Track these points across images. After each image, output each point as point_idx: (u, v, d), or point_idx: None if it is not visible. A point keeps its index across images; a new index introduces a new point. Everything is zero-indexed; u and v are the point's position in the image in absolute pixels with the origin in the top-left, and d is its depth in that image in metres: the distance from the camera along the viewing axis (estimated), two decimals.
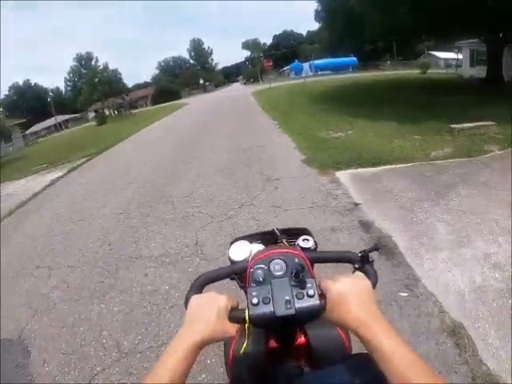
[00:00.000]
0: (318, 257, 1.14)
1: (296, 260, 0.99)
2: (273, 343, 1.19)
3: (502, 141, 8.86)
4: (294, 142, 11.07)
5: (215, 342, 0.88)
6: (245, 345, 0.92)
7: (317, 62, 61.91)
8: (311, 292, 0.89)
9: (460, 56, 51.26)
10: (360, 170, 7.76)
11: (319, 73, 57.91)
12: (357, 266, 1.04)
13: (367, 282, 0.93)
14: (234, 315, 0.91)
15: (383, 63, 66.59)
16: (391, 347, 0.75)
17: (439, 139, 9.72)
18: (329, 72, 58.06)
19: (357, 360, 0.98)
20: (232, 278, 1.12)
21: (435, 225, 4.94)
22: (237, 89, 55.10)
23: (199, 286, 1.06)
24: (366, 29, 21.68)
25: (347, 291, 0.88)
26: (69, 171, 13.45)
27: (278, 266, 0.98)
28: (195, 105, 35.35)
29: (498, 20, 17.53)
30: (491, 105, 13.60)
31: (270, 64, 40.39)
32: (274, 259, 1.00)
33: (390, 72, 48.87)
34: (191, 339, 0.83)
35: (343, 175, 7.52)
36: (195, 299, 0.95)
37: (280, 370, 1.11)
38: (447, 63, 56.23)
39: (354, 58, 62.20)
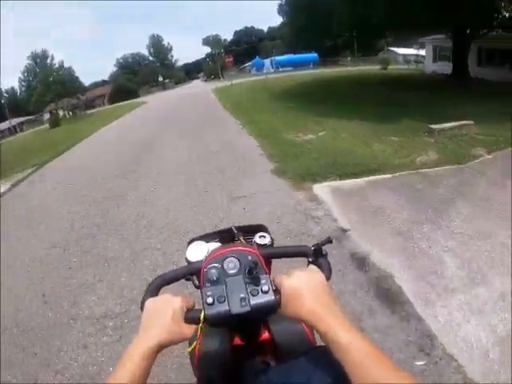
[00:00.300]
0: (271, 252, 1.13)
1: (249, 257, 0.98)
2: (237, 340, 1.17)
3: (486, 143, 8.29)
4: (260, 147, 9.82)
5: (173, 344, 0.86)
6: (210, 345, 1.02)
7: (278, 58, 60.87)
8: (265, 288, 0.89)
9: (420, 52, 51.76)
10: (341, 183, 6.65)
11: (280, 69, 56.81)
12: (310, 259, 1.03)
13: (321, 275, 0.93)
14: (190, 316, 0.90)
15: (343, 59, 66.49)
16: (347, 338, 0.75)
17: (420, 141, 8.94)
18: (290, 68, 57.06)
19: (318, 352, 0.93)
20: (188, 279, 1.06)
21: (441, 256, 4.09)
22: (197, 86, 53.32)
23: (154, 289, 1.02)
24: (332, 23, 21.07)
25: (301, 285, 0.87)
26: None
27: (231, 264, 0.97)
28: (154, 103, 33.06)
29: (466, 17, 17.71)
30: (463, 102, 13.16)
31: (231, 60, 38.99)
32: (227, 257, 0.99)
33: (351, 68, 48.65)
34: (148, 344, 0.81)
35: (322, 189, 6.36)
36: (150, 302, 0.92)
37: (246, 367, 1.12)
38: (406, 59, 57.56)
39: (315, 54, 61.48)
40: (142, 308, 0.94)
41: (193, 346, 0.94)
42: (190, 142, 11.91)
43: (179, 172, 8.77)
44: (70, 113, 39.89)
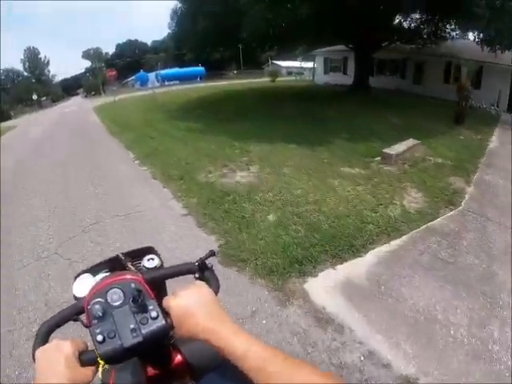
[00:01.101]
0: (156, 276, 1.07)
1: (132, 285, 0.93)
2: (151, 371, 1.10)
3: (451, 169, 7.70)
4: (181, 204, 6.22)
5: None
6: (125, 381, 0.95)
7: (163, 71, 57.17)
8: (154, 314, 0.86)
9: (303, 64, 52.11)
10: (341, 269, 4.09)
11: (166, 83, 53.33)
12: (197, 275, 1.03)
13: (208, 290, 0.91)
14: (85, 358, 0.84)
15: (228, 73, 65.09)
16: (243, 346, 0.74)
17: (386, 173, 7.19)
18: (177, 82, 53.77)
19: (226, 366, 0.86)
20: (75, 320, 0.95)
21: None
22: (77, 104, 47.33)
23: (43, 337, 0.94)
24: (223, 36, 19.84)
25: (189, 304, 0.85)
26: None
27: (115, 296, 0.92)
28: (21, 130, 27.66)
29: (368, 31, 18.78)
30: (381, 114, 13.40)
31: (114, 74, 34.68)
32: (110, 289, 0.93)
33: (240, 81, 46.99)
34: None
35: (326, 293, 3.69)
36: (40, 352, 0.84)
37: None
38: (288, 71, 58.21)
39: (202, 68, 59.24)
40: (33, 358, 0.85)
41: None
42: (61, 204, 6.75)
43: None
44: None
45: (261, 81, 43.87)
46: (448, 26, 19.59)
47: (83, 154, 11.13)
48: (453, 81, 19.85)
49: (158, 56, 72.53)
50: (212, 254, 1.06)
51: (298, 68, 56.01)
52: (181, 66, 60.38)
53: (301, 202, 5.81)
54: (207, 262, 1.05)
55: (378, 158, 8.03)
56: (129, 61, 77.04)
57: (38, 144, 14.46)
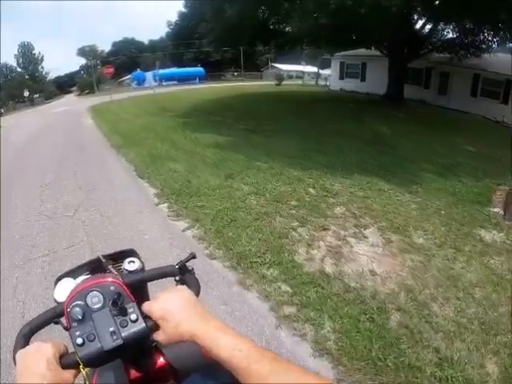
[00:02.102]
0: (136, 278, 1.05)
1: (112, 288, 0.92)
2: (134, 374, 1.08)
3: None
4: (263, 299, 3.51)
5: None
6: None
7: (161, 71, 53.51)
8: (134, 317, 0.85)
9: (306, 68, 49.30)
10: None
11: (164, 83, 49.78)
12: (177, 278, 1.02)
13: (187, 291, 0.91)
14: (66, 361, 0.82)
15: (226, 74, 61.80)
16: (229, 345, 0.72)
17: None
18: (175, 82, 50.27)
19: (209, 367, 0.90)
20: (56, 322, 0.93)
21: None
22: (70, 103, 43.36)
23: (24, 340, 0.93)
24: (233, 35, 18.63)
25: (169, 306, 0.84)
26: None
27: (95, 299, 0.91)
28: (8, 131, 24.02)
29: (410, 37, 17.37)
30: (444, 134, 11.61)
31: (111, 70, 31.05)
32: (89, 292, 0.91)
33: (241, 83, 43.95)
34: None
35: None
36: (21, 354, 0.83)
37: None
38: (288, 75, 55.11)
39: (201, 69, 55.84)
40: (14, 361, 0.84)
41: None
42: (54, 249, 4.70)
43: None
44: None
45: (263, 84, 40.95)
46: (488, 37, 17.81)
47: (73, 193, 6.96)
48: (480, 94, 19.16)
49: (155, 55, 68.76)
50: (193, 256, 1.06)
51: (298, 72, 53.23)
52: (179, 66, 56.85)
53: None
54: (187, 264, 1.04)
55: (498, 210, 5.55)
56: (125, 59, 73.12)
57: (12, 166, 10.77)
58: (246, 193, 6.21)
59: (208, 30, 20.87)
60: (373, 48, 21.40)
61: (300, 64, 50.20)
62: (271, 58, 61.31)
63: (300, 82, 44.58)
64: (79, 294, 0.91)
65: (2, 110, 55.56)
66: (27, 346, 0.86)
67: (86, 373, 0.82)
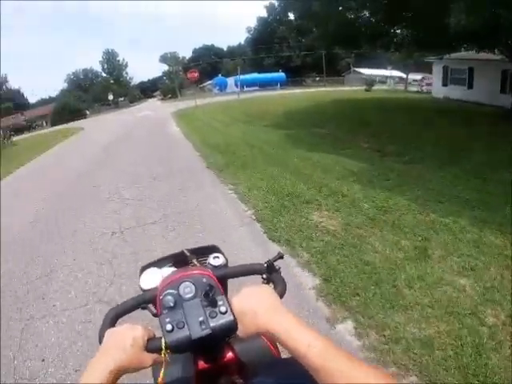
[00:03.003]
0: (225, 273, 1.06)
1: (204, 280, 0.93)
2: (202, 365, 1.02)
3: None
4: None
5: (131, 371, 0.78)
6: (161, 374, 0.86)
7: (243, 76, 51.35)
8: (223, 309, 0.84)
9: (393, 73, 44.72)
10: None
11: (245, 89, 47.50)
12: (264, 276, 1.00)
13: (272, 291, 0.87)
14: (151, 345, 0.82)
15: (307, 79, 58.48)
16: (306, 341, 0.69)
17: None
18: (256, 88, 47.83)
19: (284, 364, 0.92)
20: (144, 308, 0.95)
21: None
22: (153, 107, 42.29)
23: (111, 321, 0.94)
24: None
25: (250, 301, 0.83)
26: None
27: (187, 289, 0.91)
28: (87, 137, 22.19)
29: None
30: None
31: (196, 75, 28.89)
32: (182, 282, 0.92)
33: (324, 88, 40.40)
34: (105, 369, 0.72)
35: None
36: (109, 333, 0.83)
37: None
38: (371, 80, 49.97)
39: (282, 74, 52.98)
40: (100, 340, 0.84)
41: (161, 375, 0.83)
42: None
43: None
44: None
45: (347, 89, 37.15)
46: None
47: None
48: None
49: (235, 61, 67.14)
50: (280, 256, 1.03)
51: (381, 76, 48.35)
52: (259, 72, 54.36)
53: None
54: (275, 264, 1.01)
55: None
56: (205, 65, 72.38)
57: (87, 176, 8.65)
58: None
59: (317, 25, 17.46)
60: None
61: (382, 68, 45.98)
62: (352, 62, 57.42)
63: (385, 87, 40.06)
64: (172, 283, 0.92)
65: (88, 112, 57.11)
66: (118, 326, 0.87)
67: (165, 359, 0.80)
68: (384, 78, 47.18)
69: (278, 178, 6.62)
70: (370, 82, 36.43)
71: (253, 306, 0.80)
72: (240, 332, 0.82)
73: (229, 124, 15.21)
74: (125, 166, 9.47)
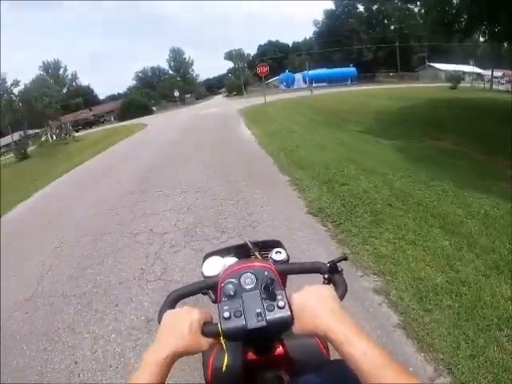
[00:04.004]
0: (287, 269, 1.05)
1: (266, 273, 0.93)
2: (251, 355, 1.04)
3: None
4: None
5: (188, 355, 0.79)
6: (225, 360, 0.87)
7: (311, 72, 47.77)
8: (281, 304, 0.82)
9: (475, 69, 39.70)
10: None
11: (314, 85, 43.98)
12: (326, 276, 0.95)
13: (330, 289, 0.85)
14: (207, 329, 0.83)
15: (379, 75, 53.67)
16: (362, 349, 0.67)
17: None
18: (325, 84, 44.18)
19: (334, 366, 0.89)
20: (204, 293, 0.96)
21: None
22: (219, 104, 39.88)
23: (172, 302, 0.96)
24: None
25: (311, 300, 0.80)
26: None
27: (248, 280, 0.91)
28: (149, 134, 19.90)
29: None
30: None
31: (265, 70, 26.07)
32: (244, 273, 0.93)
33: (401, 85, 35.72)
34: (164, 352, 0.74)
35: None
36: (168, 314, 0.85)
37: (260, 381, 1.03)
38: (448, 75, 44.47)
39: (353, 69, 48.73)
40: (159, 320, 0.86)
41: (225, 361, 0.85)
42: None
43: None
44: (54, 136, 27.09)
45: (424, 86, 32.52)
46: None
47: None
48: None
49: (301, 57, 63.70)
50: (344, 258, 0.99)
51: (458, 72, 42.79)
52: (328, 67, 50.40)
53: None
54: (338, 265, 0.95)
55: None
56: (270, 62, 69.73)
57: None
58: None
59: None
60: None
61: (459, 63, 41.42)
62: (426, 57, 52.16)
63: (464, 84, 34.65)
64: (234, 272, 0.93)
65: (154, 108, 56.61)
66: (177, 308, 0.88)
67: (225, 343, 0.81)
68: (462, 73, 42.06)
69: (455, 262, 3.35)
70: (455, 79, 31.60)
71: (313, 306, 0.77)
72: (295, 329, 0.79)
73: (312, 127, 11.98)
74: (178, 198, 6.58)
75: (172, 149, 11.97)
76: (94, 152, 15.10)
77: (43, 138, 27.49)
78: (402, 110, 15.41)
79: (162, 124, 24.18)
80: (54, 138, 26.94)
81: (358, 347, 0.67)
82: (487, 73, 36.47)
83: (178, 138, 14.59)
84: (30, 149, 24.24)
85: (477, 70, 42.12)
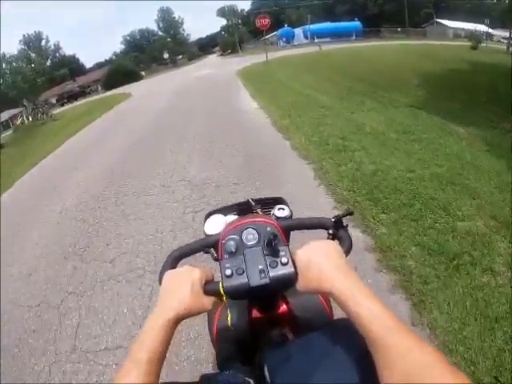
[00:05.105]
0: (290, 224, 0.97)
1: (268, 228, 0.87)
2: (256, 313, 1.02)
3: None
4: None
5: (192, 316, 0.76)
6: (229, 318, 0.88)
7: (313, 26, 42.77)
8: (285, 260, 0.79)
9: (489, 29, 36.05)
10: None
11: (316, 40, 39.31)
12: (330, 231, 0.90)
13: (335, 245, 0.80)
14: (209, 288, 0.79)
15: (385, 30, 48.54)
16: (370, 309, 0.62)
17: None
18: (328, 40, 39.37)
19: (338, 325, 0.82)
20: (206, 252, 0.91)
21: None
22: (213, 64, 35.17)
23: (173, 262, 0.92)
24: None
25: (315, 255, 0.75)
26: None
27: (250, 236, 0.86)
28: (133, 104, 16.46)
29: None
30: None
31: (266, 22, 21.88)
32: (245, 229, 0.88)
33: (409, 42, 31.11)
34: (166, 316, 0.71)
35: None
36: (169, 275, 0.82)
37: (265, 339, 0.98)
38: (455, 33, 40.95)
39: (358, 23, 43.69)
40: (160, 280, 0.83)
41: (229, 319, 0.87)
42: None
43: None
44: (30, 118, 23.42)
45: (440, 44, 28.02)
46: None
47: None
48: None
49: (299, 11, 58.06)
50: (350, 212, 0.91)
51: (467, 31, 37.76)
52: (332, 21, 45.12)
53: None
54: (343, 220, 0.89)
55: None
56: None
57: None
58: None
59: None
60: None
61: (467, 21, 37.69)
62: (433, 13, 47.36)
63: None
64: (236, 228, 0.88)
65: (143, 73, 51.70)
66: (177, 268, 0.85)
67: (221, 300, 0.79)
68: (469, 32, 37.92)
69: None
70: (476, 38, 27.14)
71: (318, 262, 0.73)
72: (299, 286, 0.76)
73: (342, 97, 8.34)
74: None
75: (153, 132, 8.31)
76: (63, 137, 11.50)
77: (19, 121, 23.91)
78: (448, 75, 11.38)
79: (145, 93, 20.03)
80: (30, 119, 23.30)
81: (365, 306, 0.62)
82: (497, 33, 33.57)
83: (169, 105, 10.85)
84: (4, 135, 21.04)
85: (485, 29, 37.72)
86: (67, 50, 68.42)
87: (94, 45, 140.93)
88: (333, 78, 11.45)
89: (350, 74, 12.05)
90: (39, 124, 20.81)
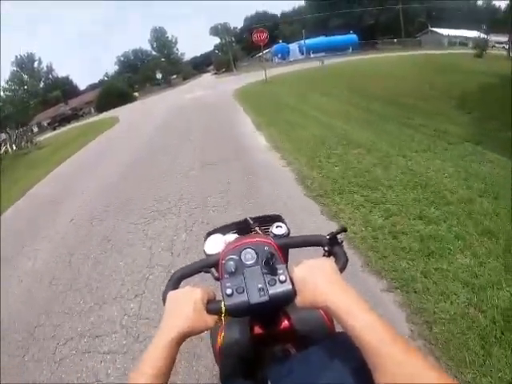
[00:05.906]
0: (287, 242, 0.99)
1: (266, 248, 0.90)
2: (258, 330, 1.00)
3: None
4: None
5: (195, 334, 0.77)
6: (222, 337, 0.89)
7: (309, 41, 41.27)
8: (283, 278, 0.80)
9: (469, 33, 35.70)
10: None
11: (312, 55, 37.82)
12: (326, 248, 0.92)
13: (330, 262, 0.82)
14: (211, 307, 0.81)
15: (380, 42, 47.10)
16: (363, 321, 0.63)
17: None
18: (323, 54, 37.84)
19: (338, 338, 0.82)
20: (206, 272, 0.93)
21: None
22: (207, 84, 33.35)
23: (175, 282, 0.94)
24: None
25: (311, 272, 0.77)
26: None
27: (248, 256, 0.88)
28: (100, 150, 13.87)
29: None
30: None
31: (265, 37, 20.24)
32: (244, 249, 0.90)
33: (406, 53, 29.51)
34: (170, 335, 0.72)
35: None
36: (172, 295, 0.83)
37: (267, 355, 0.98)
38: (450, 41, 40.80)
39: (354, 36, 42.26)
40: (164, 301, 0.84)
41: (222, 338, 0.88)
42: None
43: None
44: (14, 146, 22.03)
45: (439, 53, 26.40)
46: None
47: None
48: None
49: (293, 26, 56.87)
50: (343, 230, 0.92)
51: (462, 38, 38.49)
52: (326, 35, 43.55)
53: None
54: (338, 237, 0.91)
55: None
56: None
57: None
58: None
59: None
60: None
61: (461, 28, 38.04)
62: (428, 22, 46.31)
63: (470, 50, 28.35)
64: (235, 249, 0.89)
65: (137, 94, 50.02)
66: (179, 289, 0.85)
67: (223, 318, 0.79)
68: (464, 39, 37.89)
69: None
70: (482, 46, 25.36)
71: (314, 278, 0.75)
72: (298, 302, 0.76)
73: (374, 127, 6.38)
74: None
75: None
76: (43, 171, 9.94)
77: (2, 150, 22.04)
78: (482, 91, 9.28)
79: (135, 122, 18.05)
80: (14, 147, 21.74)
81: (359, 319, 0.63)
82: (491, 38, 32.16)
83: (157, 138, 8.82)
84: None
85: (480, 35, 36.42)
86: (60, 72, 66.43)
87: (88, 65, 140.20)
88: (351, 100, 9.49)
89: (366, 93, 10.13)
90: (21, 154, 19.25)
